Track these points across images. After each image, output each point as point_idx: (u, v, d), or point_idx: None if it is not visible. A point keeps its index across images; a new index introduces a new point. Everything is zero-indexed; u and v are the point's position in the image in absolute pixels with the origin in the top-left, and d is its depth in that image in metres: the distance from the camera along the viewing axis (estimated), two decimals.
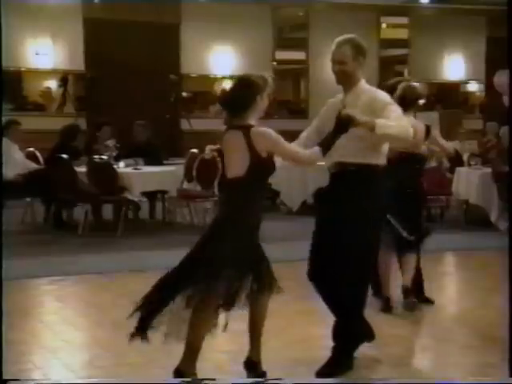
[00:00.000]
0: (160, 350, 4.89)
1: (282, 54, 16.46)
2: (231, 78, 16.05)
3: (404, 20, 17.23)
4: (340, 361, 4.50)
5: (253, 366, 4.32)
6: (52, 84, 14.94)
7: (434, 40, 16.98)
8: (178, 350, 4.86)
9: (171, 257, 8.06)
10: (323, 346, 4.95)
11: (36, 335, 5.45)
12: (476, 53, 17.53)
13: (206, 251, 4.17)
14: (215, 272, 4.05)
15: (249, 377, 4.29)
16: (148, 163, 10.06)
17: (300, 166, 4.31)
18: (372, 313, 5.18)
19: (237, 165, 4.12)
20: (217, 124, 15.83)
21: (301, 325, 5.57)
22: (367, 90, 4.53)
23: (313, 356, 4.76)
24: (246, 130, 4.07)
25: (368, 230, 4.42)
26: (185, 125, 15.12)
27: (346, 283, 4.46)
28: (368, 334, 4.73)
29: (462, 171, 10.55)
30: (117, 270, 7.49)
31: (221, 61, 15.67)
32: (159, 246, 8.69)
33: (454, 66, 17.59)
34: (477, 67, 17.53)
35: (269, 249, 9.21)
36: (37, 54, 14.25)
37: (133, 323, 5.53)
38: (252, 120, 4.15)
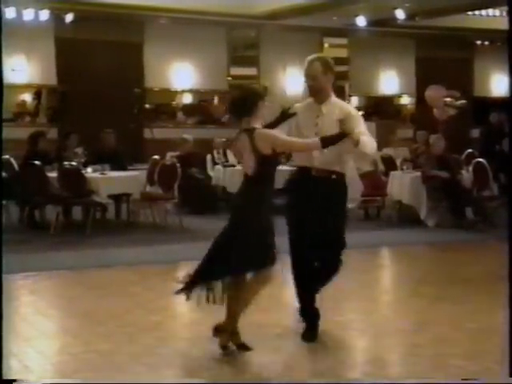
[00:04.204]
0: (124, 338, 4.89)
1: (236, 70, 16.46)
2: (190, 91, 16.04)
3: (344, 41, 17.37)
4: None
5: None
6: (27, 97, 14.75)
7: (371, 58, 17.18)
8: (140, 339, 4.86)
9: (135, 253, 8.16)
10: (276, 333, 4.97)
11: (12, 325, 5.36)
12: (407, 70, 17.78)
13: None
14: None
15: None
16: (113, 169, 9.99)
17: (300, 151, 4.59)
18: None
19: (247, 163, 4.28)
20: (176, 133, 15.80)
21: (252, 313, 5.54)
22: (339, 103, 4.72)
23: (267, 343, 4.72)
24: (251, 132, 4.26)
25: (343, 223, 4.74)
26: (148, 134, 15.03)
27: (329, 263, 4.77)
28: None
29: (395, 175, 10.66)
30: (86, 266, 7.41)
31: (180, 76, 15.62)
32: (124, 244, 8.63)
33: (388, 82, 17.81)
34: (408, 83, 17.77)
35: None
36: (13, 70, 14.03)
37: (101, 313, 5.52)
38: (256, 123, 4.31)
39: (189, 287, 4.41)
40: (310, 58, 4.67)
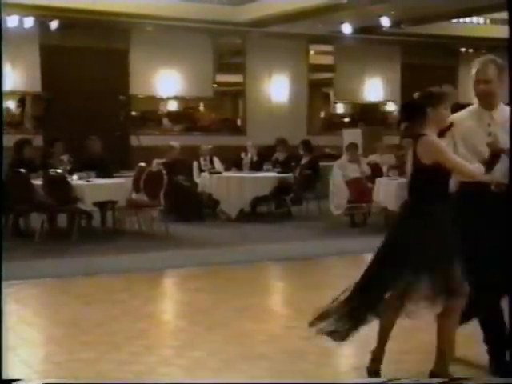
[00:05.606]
0: (109, 346, 4.86)
1: (222, 77, 16.47)
2: (176, 98, 16.04)
3: (329, 48, 17.44)
4: None
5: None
6: (11, 104, 14.70)
7: (356, 66, 17.24)
8: (126, 347, 4.83)
9: (121, 261, 8.14)
10: (262, 340, 4.97)
11: None
12: (392, 77, 17.86)
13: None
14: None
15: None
16: (99, 176, 9.97)
17: (463, 177, 4.03)
18: None
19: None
20: (163, 140, 15.71)
21: (239, 320, 5.56)
22: (507, 108, 4.21)
23: (253, 350, 4.74)
24: (417, 138, 3.91)
25: None
26: (134, 141, 15.01)
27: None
28: None
29: (381, 181, 10.69)
30: (71, 274, 7.37)
31: (166, 83, 15.61)
32: (110, 251, 8.60)
33: (374, 89, 17.87)
34: (393, 90, 17.85)
35: (209, 253, 9.25)
36: None
37: (86, 321, 5.49)
38: (429, 130, 3.92)
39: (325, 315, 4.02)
40: (482, 59, 4.20)
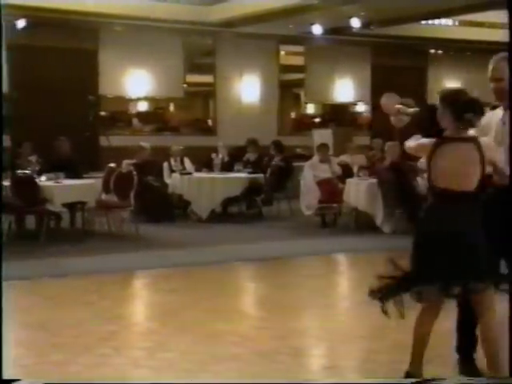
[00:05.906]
0: (79, 348, 4.82)
1: (192, 78, 16.42)
2: (146, 98, 15.96)
3: (300, 48, 17.48)
4: None
5: None
6: None
7: (327, 66, 17.32)
8: (95, 349, 4.78)
9: (90, 262, 8.07)
10: (233, 341, 4.95)
11: None
12: (362, 78, 17.96)
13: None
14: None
15: None
16: (68, 177, 9.89)
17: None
18: None
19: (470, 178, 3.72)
20: (133, 140, 15.58)
21: (210, 321, 5.55)
22: None
23: (224, 351, 4.72)
24: (476, 141, 3.71)
25: None
26: (104, 141, 14.89)
27: None
28: None
29: (351, 182, 10.75)
30: (39, 275, 7.29)
31: (136, 83, 15.52)
32: (79, 253, 8.53)
33: (344, 90, 17.95)
34: (363, 90, 17.96)
35: (179, 254, 9.21)
36: None
37: (55, 323, 5.43)
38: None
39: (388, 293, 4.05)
40: (496, 57, 4.11)
